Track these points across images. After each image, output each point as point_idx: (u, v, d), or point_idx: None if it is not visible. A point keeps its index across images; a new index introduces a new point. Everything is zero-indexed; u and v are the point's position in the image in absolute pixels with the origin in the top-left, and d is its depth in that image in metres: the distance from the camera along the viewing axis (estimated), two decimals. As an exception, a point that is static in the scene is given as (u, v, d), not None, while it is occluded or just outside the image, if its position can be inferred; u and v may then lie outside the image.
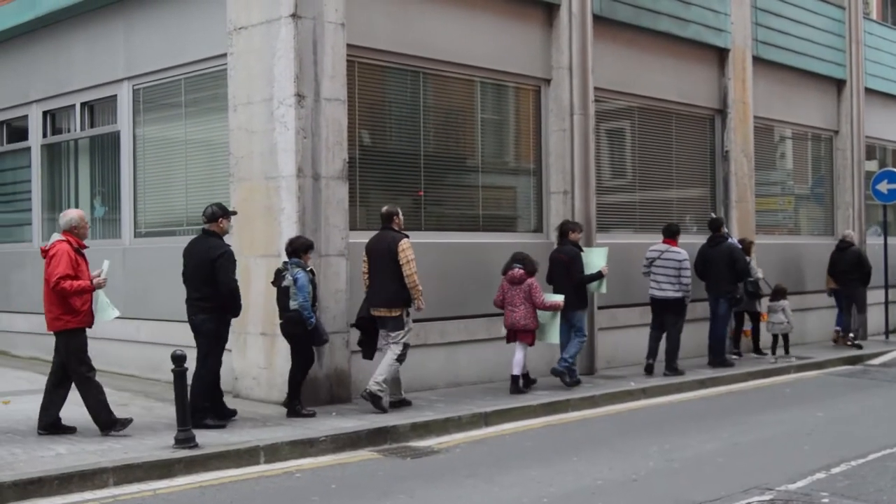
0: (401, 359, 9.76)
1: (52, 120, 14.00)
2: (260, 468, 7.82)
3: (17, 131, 14.74)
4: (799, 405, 11.16)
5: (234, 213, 9.37)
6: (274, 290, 9.45)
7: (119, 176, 12.50)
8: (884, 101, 19.67)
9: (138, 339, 11.78)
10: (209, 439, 8.09)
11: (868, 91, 18.76)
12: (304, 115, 9.86)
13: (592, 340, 12.51)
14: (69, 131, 13.69)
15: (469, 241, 11.82)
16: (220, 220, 9.01)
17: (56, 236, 8.46)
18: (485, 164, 12.45)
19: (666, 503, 6.74)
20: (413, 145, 11.51)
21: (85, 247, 8.53)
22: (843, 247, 16.39)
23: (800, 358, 14.55)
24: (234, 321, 9.25)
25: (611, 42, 13.50)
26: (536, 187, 12.90)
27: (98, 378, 8.50)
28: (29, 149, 14.32)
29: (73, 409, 8.58)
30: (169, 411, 8.76)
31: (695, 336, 13.70)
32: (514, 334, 11.02)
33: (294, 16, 9.83)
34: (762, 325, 14.92)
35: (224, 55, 10.62)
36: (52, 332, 8.47)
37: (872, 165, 19.38)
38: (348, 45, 10.29)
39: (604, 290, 11.90)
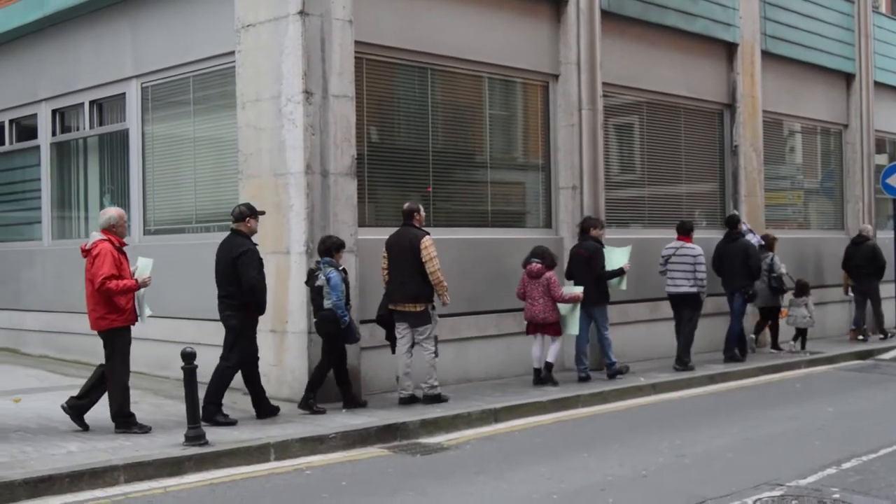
0: (435, 354, 9.91)
1: (61, 118, 14.04)
2: (270, 465, 7.82)
3: (27, 130, 14.78)
4: (810, 400, 11.13)
5: (262, 212, 9.35)
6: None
7: (128, 174, 12.52)
8: (893, 94, 19.57)
9: (148, 336, 11.78)
10: (219, 436, 8.11)
11: (877, 85, 18.70)
12: (312, 112, 9.85)
13: (602, 336, 12.50)
14: (78, 129, 13.72)
15: (478, 236, 11.82)
16: (248, 219, 9.10)
17: (96, 235, 8.44)
18: (493, 160, 12.44)
19: (676, 499, 6.72)
20: (421, 142, 11.50)
21: (125, 244, 8.56)
22: (859, 241, 16.31)
23: (811, 353, 14.52)
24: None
25: (619, 37, 13.47)
26: (545, 183, 12.88)
27: (108, 375, 8.52)
28: (38, 147, 14.36)
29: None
30: (179, 409, 8.78)
31: (706, 332, 13.67)
32: (533, 327, 11.12)
33: (302, 13, 9.83)
34: (781, 321, 14.88)
35: (232, 52, 10.63)
36: (96, 332, 8.46)
37: (882, 159, 19.32)
38: (356, 42, 10.28)
39: (624, 286, 11.89)
